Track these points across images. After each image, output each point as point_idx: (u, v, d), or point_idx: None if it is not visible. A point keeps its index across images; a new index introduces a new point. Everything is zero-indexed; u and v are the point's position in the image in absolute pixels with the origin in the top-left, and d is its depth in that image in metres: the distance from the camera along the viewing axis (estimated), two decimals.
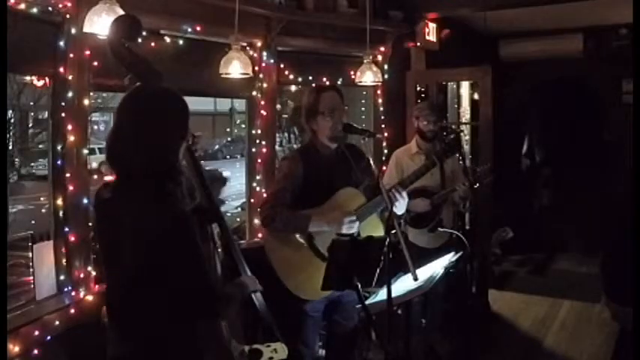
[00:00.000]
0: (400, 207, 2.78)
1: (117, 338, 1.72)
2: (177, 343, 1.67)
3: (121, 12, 2.49)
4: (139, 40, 1.86)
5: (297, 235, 2.69)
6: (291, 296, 2.67)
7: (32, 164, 13.09)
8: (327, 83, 4.24)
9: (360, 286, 2.17)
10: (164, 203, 1.62)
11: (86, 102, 2.90)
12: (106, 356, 1.74)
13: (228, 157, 20.64)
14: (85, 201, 2.89)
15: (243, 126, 4.36)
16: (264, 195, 3.69)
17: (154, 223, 1.59)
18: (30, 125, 13.36)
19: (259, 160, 4.01)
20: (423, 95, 5.10)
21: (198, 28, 3.44)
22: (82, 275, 2.89)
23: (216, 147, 21.55)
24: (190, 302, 1.64)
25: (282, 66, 4.12)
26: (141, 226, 1.60)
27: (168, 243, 1.59)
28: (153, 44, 3.28)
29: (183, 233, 1.62)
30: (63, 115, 2.83)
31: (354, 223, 2.67)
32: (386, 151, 4.54)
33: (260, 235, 3.82)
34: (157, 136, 1.67)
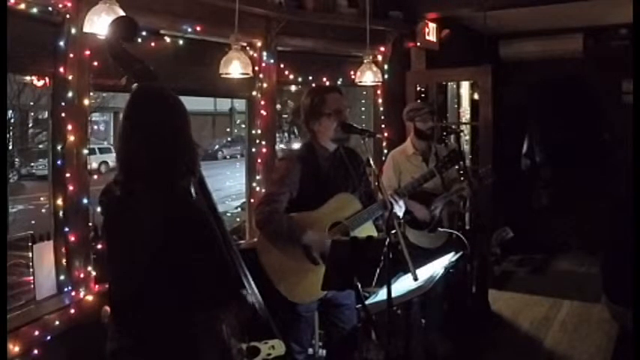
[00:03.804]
0: (396, 213, 2.79)
1: (118, 333, 1.73)
2: (177, 339, 1.69)
3: (121, 12, 2.49)
4: (139, 40, 1.87)
5: None
6: (284, 297, 2.67)
7: (32, 164, 13.11)
8: (327, 83, 4.24)
9: (360, 286, 2.17)
10: (186, 198, 1.68)
11: (86, 102, 2.90)
12: (106, 352, 1.76)
13: (228, 157, 20.65)
14: (85, 201, 2.89)
15: (243, 126, 4.36)
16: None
17: (180, 218, 1.64)
18: (30, 125, 13.37)
19: (259, 160, 4.01)
20: (423, 95, 5.10)
21: (198, 28, 3.44)
22: (82, 275, 2.89)
23: (216, 147, 21.55)
24: (203, 297, 1.68)
25: (282, 66, 4.12)
26: (166, 221, 1.63)
27: (194, 236, 1.64)
28: (153, 44, 3.28)
29: (207, 228, 1.67)
30: (63, 115, 2.83)
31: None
32: (386, 151, 4.55)
33: None
34: (177, 135, 1.71)
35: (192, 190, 1.77)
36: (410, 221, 3.64)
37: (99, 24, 2.47)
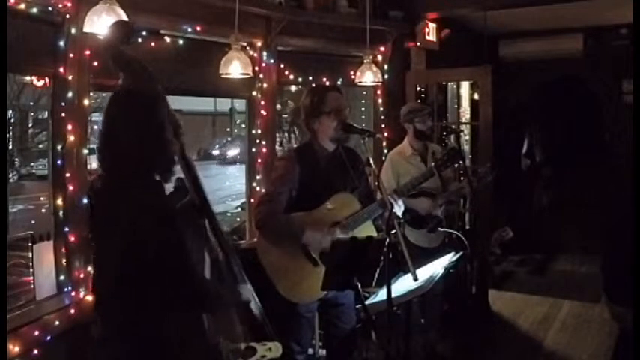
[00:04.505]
0: (396, 213, 2.79)
1: (101, 322, 1.82)
2: (154, 332, 1.73)
3: (121, 12, 2.49)
4: (139, 40, 1.90)
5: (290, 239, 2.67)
6: (284, 297, 2.67)
7: (32, 164, 13.11)
8: (327, 83, 4.24)
9: (360, 286, 2.17)
10: (150, 195, 1.72)
11: (86, 102, 2.90)
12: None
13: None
14: (85, 201, 2.88)
15: (243, 126, 4.36)
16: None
17: (139, 214, 1.68)
18: (30, 125, 13.38)
19: (259, 160, 4.01)
20: (423, 95, 5.10)
21: (198, 28, 3.44)
22: (82, 275, 2.88)
23: (217, 147, 21.57)
24: (169, 292, 1.70)
25: (282, 66, 4.12)
26: (128, 216, 1.69)
27: (150, 233, 1.67)
28: (153, 44, 3.28)
29: (166, 225, 1.69)
30: (63, 115, 2.83)
31: (347, 235, 2.67)
32: (386, 151, 4.55)
33: None
34: (144, 134, 1.76)
35: (180, 186, 1.84)
36: (410, 220, 3.65)
37: (99, 24, 2.47)
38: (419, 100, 4.87)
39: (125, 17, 2.48)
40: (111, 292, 1.75)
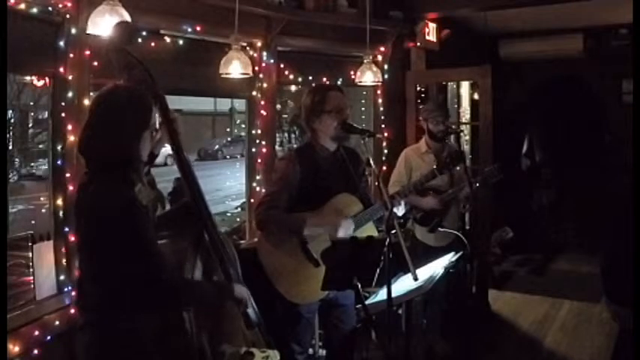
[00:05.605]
0: (397, 213, 2.79)
1: (79, 310, 1.87)
2: (125, 325, 1.75)
3: (125, 13, 2.49)
4: (139, 40, 1.92)
5: (291, 240, 2.67)
6: (285, 297, 2.67)
7: (32, 164, 13.09)
8: (328, 83, 4.24)
9: (360, 286, 2.17)
10: (113, 190, 1.74)
11: (86, 102, 2.89)
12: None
13: (228, 157, 20.64)
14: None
15: (243, 126, 4.36)
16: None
17: (101, 209, 1.72)
18: (30, 125, 13.36)
19: (259, 160, 4.01)
20: (423, 95, 5.10)
21: (198, 28, 3.43)
22: None
23: (216, 147, 21.54)
24: (133, 289, 1.72)
25: (282, 66, 4.12)
26: (93, 210, 1.74)
27: (112, 228, 1.70)
28: (153, 44, 3.27)
29: (127, 220, 1.72)
30: (63, 115, 2.83)
31: (350, 229, 2.66)
32: (386, 151, 4.55)
33: None
34: (114, 129, 1.81)
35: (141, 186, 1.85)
36: (420, 218, 3.68)
37: (102, 25, 2.46)
38: (418, 102, 4.87)
39: (128, 18, 2.48)
40: (83, 282, 1.83)
